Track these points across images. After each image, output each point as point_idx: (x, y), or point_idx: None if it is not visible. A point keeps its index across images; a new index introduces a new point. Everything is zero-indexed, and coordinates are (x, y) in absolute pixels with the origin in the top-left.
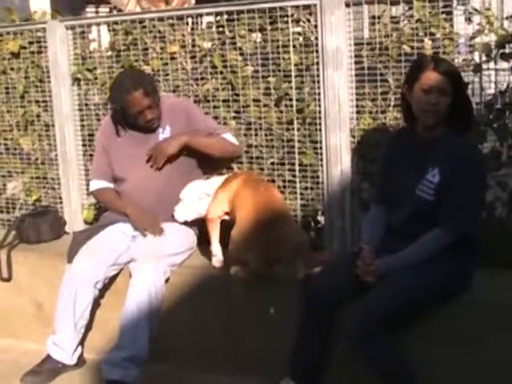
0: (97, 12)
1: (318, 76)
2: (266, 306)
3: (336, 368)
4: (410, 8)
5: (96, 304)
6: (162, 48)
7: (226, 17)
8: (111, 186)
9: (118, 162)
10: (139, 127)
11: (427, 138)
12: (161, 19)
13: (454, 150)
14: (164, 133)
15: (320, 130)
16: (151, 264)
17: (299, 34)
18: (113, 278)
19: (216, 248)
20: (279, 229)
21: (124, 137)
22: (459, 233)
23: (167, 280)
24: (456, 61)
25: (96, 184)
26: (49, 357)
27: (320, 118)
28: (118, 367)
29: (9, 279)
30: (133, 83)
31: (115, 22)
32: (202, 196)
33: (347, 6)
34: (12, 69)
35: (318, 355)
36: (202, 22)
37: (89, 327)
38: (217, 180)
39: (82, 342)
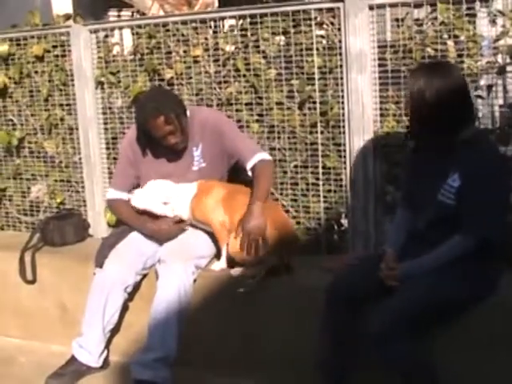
0: (119, 16)
1: (342, 79)
2: (286, 311)
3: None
4: (434, 10)
5: (122, 307)
6: (185, 51)
7: (249, 20)
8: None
9: (148, 176)
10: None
11: (446, 143)
12: (184, 22)
13: (474, 154)
14: (197, 150)
15: (343, 132)
16: (180, 265)
17: (322, 36)
18: (138, 282)
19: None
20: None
21: (155, 152)
22: (480, 238)
23: (194, 281)
24: (480, 63)
25: (114, 194)
26: (73, 359)
27: (343, 121)
28: (148, 368)
29: (33, 281)
30: (153, 110)
31: (139, 26)
32: (167, 201)
33: (371, 8)
34: (36, 72)
35: (345, 355)
36: (223, 26)
37: (114, 330)
38: (180, 187)
39: (107, 345)
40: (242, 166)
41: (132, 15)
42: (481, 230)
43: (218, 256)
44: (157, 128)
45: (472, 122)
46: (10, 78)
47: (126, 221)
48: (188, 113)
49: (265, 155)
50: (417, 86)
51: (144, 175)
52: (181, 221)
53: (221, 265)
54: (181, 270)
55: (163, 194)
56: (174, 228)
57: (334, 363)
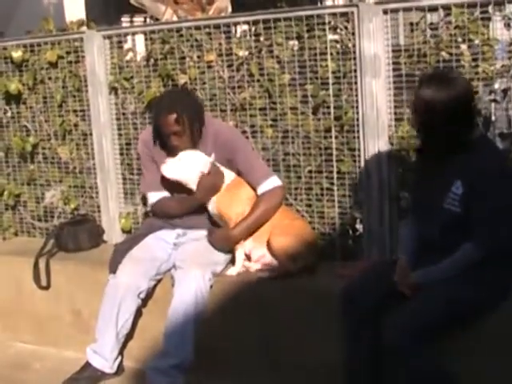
0: (131, 21)
1: (356, 83)
2: (301, 316)
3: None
4: (448, 14)
5: (136, 313)
6: (198, 57)
7: (262, 25)
8: (168, 195)
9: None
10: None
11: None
12: (198, 28)
13: (475, 160)
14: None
15: (358, 137)
16: (198, 271)
17: (336, 41)
18: (152, 287)
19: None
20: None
21: (165, 151)
22: (489, 246)
23: (210, 287)
24: (494, 67)
25: (156, 196)
26: (88, 364)
27: (358, 126)
28: (164, 375)
29: (47, 287)
30: (169, 106)
31: (152, 31)
32: (204, 170)
33: (385, 13)
34: (50, 78)
35: (370, 362)
36: (236, 31)
37: (128, 335)
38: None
39: (121, 351)
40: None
41: (145, 21)
42: (490, 238)
43: (233, 261)
44: (165, 124)
45: (474, 128)
46: (23, 84)
47: (177, 211)
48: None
49: (276, 181)
50: (419, 96)
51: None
52: None
53: (236, 269)
54: (198, 277)
55: (202, 164)
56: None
57: (362, 374)
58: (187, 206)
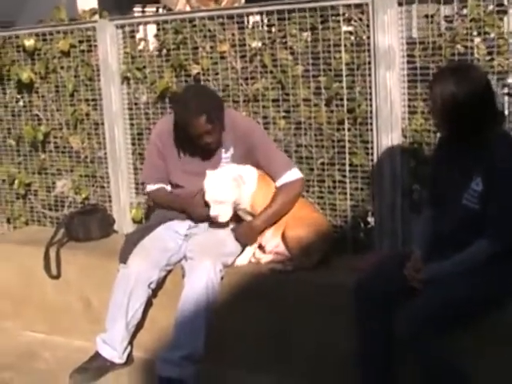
0: (143, 11)
1: (370, 75)
2: (312, 308)
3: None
4: (464, 7)
5: (146, 303)
6: (211, 47)
7: (276, 16)
8: (168, 188)
9: (175, 171)
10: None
11: (470, 145)
12: (211, 18)
13: (496, 156)
14: (227, 153)
15: (371, 130)
16: (209, 262)
17: (350, 33)
18: (162, 278)
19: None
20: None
21: (184, 148)
22: (504, 242)
23: (221, 279)
24: (510, 60)
25: (152, 187)
26: (98, 354)
27: (371, 118)
28: (174, 365)
29: (58, 276)
30: (197, 108)
31: (165, 21)
32: (239, 182)
33: (400, 4)
34: (62, 67)
35: (377, 353)
36: (248, 21)
37: (138, 326)
38: (249, 167)
39: (131, 341)
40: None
41: (157, 11)
42: (505, 234)
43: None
44: (197, 126)
45: (496, 124)
46: (36, 73)
47: (170, 204)
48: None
49: (296, 173)
50: (436, 89)
51: (171, 169)
52: None
53: (245, 259)
54: (209, 268)
55: (236, 178)
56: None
57: (375, 364)
58: (181, 207)
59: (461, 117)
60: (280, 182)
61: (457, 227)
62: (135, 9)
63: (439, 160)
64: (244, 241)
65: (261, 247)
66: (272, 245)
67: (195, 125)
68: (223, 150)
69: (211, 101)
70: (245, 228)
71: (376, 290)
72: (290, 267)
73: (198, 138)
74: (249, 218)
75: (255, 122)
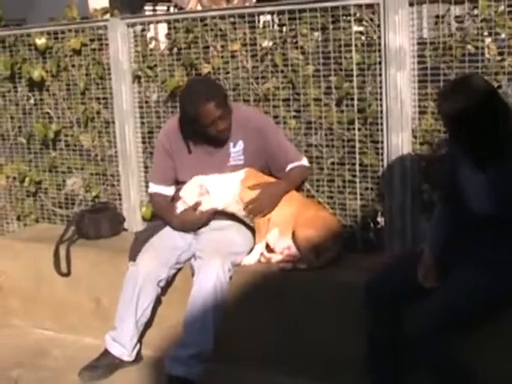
0: (154, 10)
1: (381, 75)
2: (321, 308)
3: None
4: (475, 7)
5: (155, 301)
6: (222, 46)
7: (287, 15)
8: (169, 192)
9: (183, 169)
10: (209, 139)
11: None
12: (222, 17)
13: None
14: (236, 147)
15: (381, 130)
16: (217, 261)
17: (361, 33)
18: (172, 276)
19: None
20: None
21: (192, 146)
22: None
23: (230, 278)
24: None
25: (155, 188)
26: (107, 352)
27: (381, 118)
28: (182, 364)
29: (68, 274)
30: (206, 94)
31: (176, 20)
32: (202, 192)
33: (411, 5)
34: (73, 66)
35: (392, 353)
36: (259, 21)
37: (147, 324)
38: (218, 177)
39: (140, 339)
40: (276, 173)
41: (167, 10)
42: None
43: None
44: (208, 113)
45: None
46: (47, 71)
47: (161, 215)
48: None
49: (305, 161)
50: (443, 106)
51: (179, 167)
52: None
53: (253, 259)
54: (218, 267)
55: (200, 186)
56: (197, 216)
57: (384, 364)
58: (167, 219)
59: (475, 129)
60: (291, 165)
61: (478, 226)
62: (146, 7)
63: (453, 155)
64: (263, 207)
65: (268, 248)
66: (281, 246)
67: (206, 112)
68: (231, 145)
69: (216, 87)
70: (267, 190)
71: (386, 290)
72: (300, 266)
73: (210, 126)
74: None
75: (263, 114)
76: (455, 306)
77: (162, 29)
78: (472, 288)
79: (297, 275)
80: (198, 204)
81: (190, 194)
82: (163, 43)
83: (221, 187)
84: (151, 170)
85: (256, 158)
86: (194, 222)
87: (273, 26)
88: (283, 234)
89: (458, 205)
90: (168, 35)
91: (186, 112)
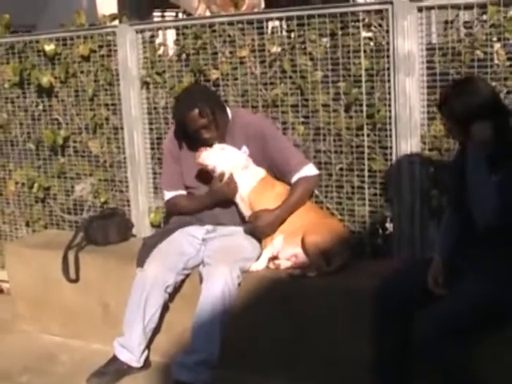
0: (163, 16)
1: (389, 81)
2: (330, 314)
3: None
4: (484, 13)
5: (163, 307)
6: (231, 52)
7: (296, 21)
8: (184, 193)
9: (188, 172)
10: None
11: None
12: (231, 23)
13: None
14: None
15: (390, 135)
16: (226, 268)
17: (370, 38)
18: (179, 282)
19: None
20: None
21: (192, 148)
22: None
23: (238, 285)
24: None
25: (169, 194)
26: (115, 358)
27: (390, 124)
28: (190, 370)
29: (76, 280)
30: (188, 103)
31: (185, 26)
32: (244, 167)
33: (420, 10)
34: (82, 72)
35: (400, 358)
36: (267, 27)
37: (155, 330)
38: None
39: (148, 345)
40: (282, 178)
41: (176, 16)
42: None
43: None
44: (191, 121)
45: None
46: (56, 77)
47: (189, 210)
48: (230, 113)
49: (311, 169)
50: (446, 105)
51: (184, 172)
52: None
53: (260, 265)
54: (226, 273)
55: (243, 160)
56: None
57: (391, 369)
58: (196, 206)
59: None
60: (296, 176)
61: (487, 231)
62: (155, 13)
63: (460, 164)
64: (264, 231)
65: (273, 255)
66: (287, 254)
67: (189, 120)
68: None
69: (203, 96)
70: (266, 217)
71: (395, 296)
72: (309, 274)
73: (195, 134)
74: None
75: (268, 120)
76: (461, 312)
77: (171, 35)
78: (479, 295)
79: (305, 281)
80: (222, 175)
81: (237, 158)
82: (172, 49)
83: (243, 172)
84: (162, 178)
85: (260, 162)
86: (226, 191)
87: (281, 31)
88: (290, 241)
89: (466, 212)
90: (177, 41)
91: (175, 118)
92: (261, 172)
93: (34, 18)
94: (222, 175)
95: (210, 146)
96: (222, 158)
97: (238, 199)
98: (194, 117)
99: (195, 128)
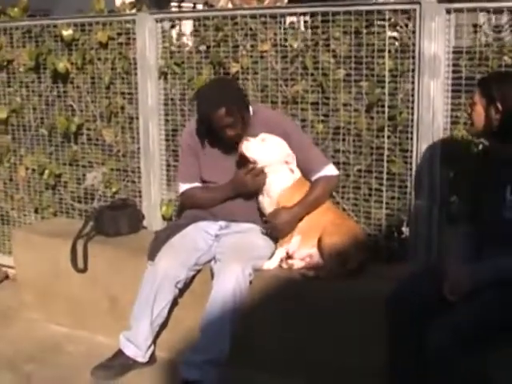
0: (179, 7)
1: (413, 83)
2: (342, 317)
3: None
4: None
5: (172, 303)
6: (252, 46)
7: (320, 17)
8: (200, 185)
9: (206, 166)
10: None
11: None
12: (253, 17)
13: None
14: None
15: (411, 138)
16: (237, 266)
17: (395, 38)
18: (190, 278)
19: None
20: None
21: (214, 144)
22: None
23: (250, 282)
24: None
25: (184, 186)
26: (121, 352)
27: (412, 127)
28: (197, 368)
29: (84, 270)
30: (215, 101)
31: (206, 18)
32: (283, 163)
33: (448, 12)
34: (99, 59)
35: (413, 364)
36: (285, 22)
37: (162, 325)
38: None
39: (154, 340)
40: (304, 176)
41: (194, 7)
42: None
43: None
44: (217, 119)
45: None
46: (72, 63)
47: (206, 201)
48: (251, 109)
49: (332, 169)
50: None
51: (202, 167)
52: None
53: (273, 264)
54: (238, 271)
55: (284, 156)
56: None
57: (405, 375)
58: (214, 197)
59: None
60: (317, 176)
61: (500, 241)
62: (172, 4)
63: (477, 175)
64: (283, 228)
65: (287, 254)
66: (302, 254)
67: (215, 118)
68: None
69: (231, 93)
70: (284, 215)
71: (409, 302)
72: (322, 274)
73: (219, 132)
74: (269, 207)
75: (289, 117)
76: (477, 321)
77: (189, 26)
78: (496, 303)
79: (318, 282)
80: (253, 167)
81: (279, 152)
82: (190, 40)
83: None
84: (179, 170)
85: None
86: (250, 184)
87: (305, 28)
88: (306, 241)
89: (482, 222)
90: (196, 32)
91: (199, 112)
92: (297, 172)
93: (49, 2)
94: (253, 167)
95: (236, 143)
96: (262, 149)
97: (263, 195)
98: (220, 115)
99: (220, 126)
